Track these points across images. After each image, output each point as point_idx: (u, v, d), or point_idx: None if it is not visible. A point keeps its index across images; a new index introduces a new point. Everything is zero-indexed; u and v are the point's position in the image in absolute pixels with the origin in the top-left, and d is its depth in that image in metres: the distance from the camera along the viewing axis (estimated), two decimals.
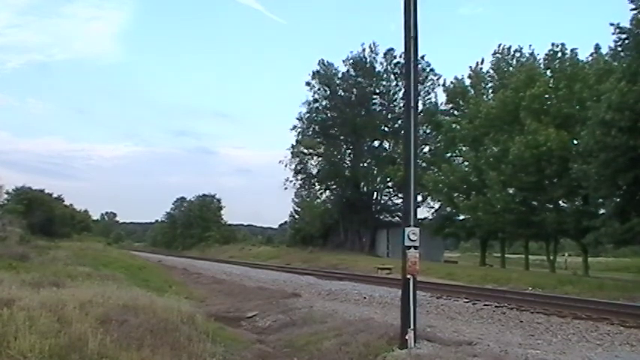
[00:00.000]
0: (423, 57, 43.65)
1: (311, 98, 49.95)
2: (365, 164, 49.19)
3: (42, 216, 50.26)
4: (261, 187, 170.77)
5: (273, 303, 13.06)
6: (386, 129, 48.24)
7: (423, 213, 40.70)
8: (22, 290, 8.12)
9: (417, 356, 6.64)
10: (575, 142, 26.07)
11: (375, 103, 49.54)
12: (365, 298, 14.79)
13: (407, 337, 6.90)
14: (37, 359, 4.92)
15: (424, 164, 39.28)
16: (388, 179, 45.92)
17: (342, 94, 49.83)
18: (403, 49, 7.77)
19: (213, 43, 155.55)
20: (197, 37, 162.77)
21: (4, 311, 5.94)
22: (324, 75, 49.70)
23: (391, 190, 48.42)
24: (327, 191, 52.09)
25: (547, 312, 11.47)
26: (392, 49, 47.16)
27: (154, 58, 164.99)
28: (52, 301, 7.07)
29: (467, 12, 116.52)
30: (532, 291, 17.20)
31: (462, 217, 35.97)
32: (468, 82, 38.67)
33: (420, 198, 36.99)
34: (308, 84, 49.62)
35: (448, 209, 37.70)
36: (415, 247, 7.06)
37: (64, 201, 67.21)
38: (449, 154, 39.94)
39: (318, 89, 49.96)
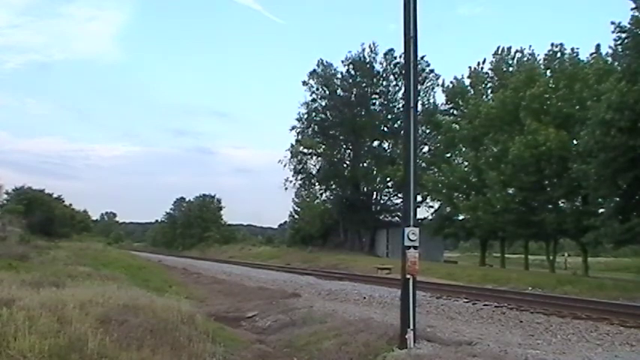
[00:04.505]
0: (422, 57, 43.77)
1: (309, 98, 50.11)
2: (365, 164, 49.20)
3: (42, 216, 50.29)
4: (261, 187, 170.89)
5: (273, 303, 13.05)
6: (385, 129, 48.25)
7: (422, 213, 40.76)
8: (22, 290, 8.11)
9: (417, 356, 6.64)
10: (575, 142, 26.06)
11: (374, 104, 49.57)
12: (365, 298, 14.78)
13: (407, 337, 6.91)
14: (36, 359, 4.91)
15: (424, 164, 39.29)
16: (388, 179, 45.91)
17: (342, 94, 49.88)
18: (403, 49, 7.78)
19: (212, 42, 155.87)
20: (196, 37, 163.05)
21: (4, 311, 5.93)
22: (322, 75, 49.73)
23: (391, 190, 48.44)
24: (327, 191, 52.13)
25: (547, 312, 11.46)
26: (392, 50, 47.26)
27: (153, 58, 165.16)
28: (52, 301, 7.06)
29: (465, 12, 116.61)
30: (532, 291, 17.20)
31: (461, 217, 35.94)
32: (467, 82, 38.67)
33: (419, 198, 36.97)
34: (305, 83, 49.75)
35: (448, 209, 37.66)
36: (415, 247, 7.06)
37: (63, 201, 67.33)
38: (448, 155, 39.90)
39: (317, 89, 50.05)
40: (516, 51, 36.02)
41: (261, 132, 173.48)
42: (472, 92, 37.79)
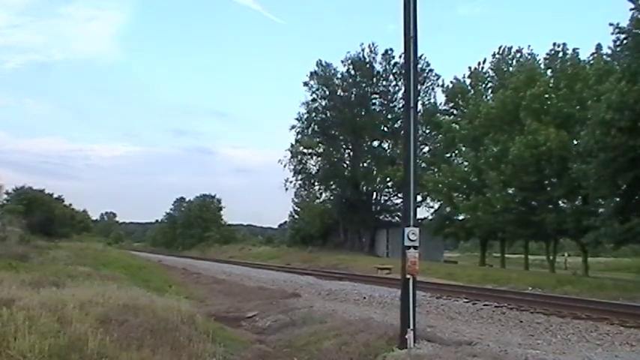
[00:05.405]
0: (422, 57, 43.78)
1: (309, 98, 50.12)
2: (365, 164, 49.20)
3: (42, 216, 50.37)
4: (261, 187, 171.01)
5: (273, 303, 13.06)
6: (385, 129, 48.26)
7: (422, 213, 40.76)
8: (22, 290, 8.10)
9: (417, 356, 6.64)
10: (575, 142, 26.04)
11: (374, 103, 49.60)
12: (365, 298, 14.78)
13: (407, 337, 6.90)
14: (36, 359, 4.91)
15: (424, 164, 39.29)
16: (388, 179, 45.91)
17: (342, 94, 49.88)
18: (402, 49, 7.78)
19: (212, 42, 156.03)
20: (196, 37, 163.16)
21: (4, 311, 5.92)
22: (322, 75, 49.72)
23: (391, 190, 48.46)
24: (327, 191, 52.14)
25: (547, 312, 11.47)
26: (391, 50, 47.31)
27: (152, 58, 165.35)
28: (52, 301, 7.05)
29: (465, 12, 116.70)
30: (532, 291, 17.19)
31: (461, 217, 35.95)
32: (467, 82, 38.65)
33: (419, 198, 36.96)
34: (306, 84, 49.78)
35: (448, 209, 37.67)
36: (415, 247, 7.06)
37: (63, 201, 67.50)
38: (448, 155, 39.92)
39: (317, 89, 50.05)
40: (516, 51, 36.10)
41: (261, 132, 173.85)
42: (472, 92, 37.79)
